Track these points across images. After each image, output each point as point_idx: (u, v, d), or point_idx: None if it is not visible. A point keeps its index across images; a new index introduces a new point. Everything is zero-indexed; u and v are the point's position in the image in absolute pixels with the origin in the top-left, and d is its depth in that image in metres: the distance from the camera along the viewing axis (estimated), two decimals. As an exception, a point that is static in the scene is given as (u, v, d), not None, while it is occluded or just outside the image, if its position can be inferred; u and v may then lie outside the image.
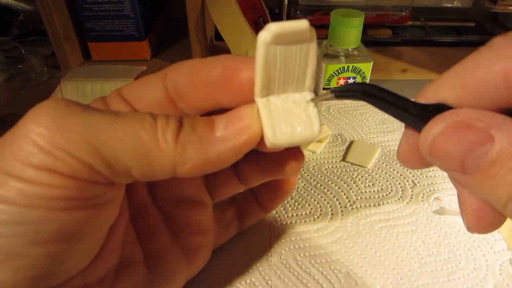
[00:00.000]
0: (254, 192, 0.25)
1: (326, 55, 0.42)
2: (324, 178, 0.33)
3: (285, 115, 0.16)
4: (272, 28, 0.14)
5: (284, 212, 0.30)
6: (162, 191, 0.22)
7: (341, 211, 0.30)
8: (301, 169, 0.34)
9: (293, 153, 0.20)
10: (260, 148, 0.17)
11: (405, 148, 0.16)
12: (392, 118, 0.40)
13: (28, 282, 0.15)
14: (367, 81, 0.43)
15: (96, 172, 0.15)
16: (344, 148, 0.37)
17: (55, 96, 0.39)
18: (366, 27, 0.53)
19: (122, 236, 0.20)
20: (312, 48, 0.15)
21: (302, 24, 0.14)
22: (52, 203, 0.14)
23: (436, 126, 0.13)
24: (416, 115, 0.14)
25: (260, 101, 0.16)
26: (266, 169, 0.21)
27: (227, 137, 0.16)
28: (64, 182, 0.14)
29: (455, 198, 0.31)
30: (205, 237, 0.23)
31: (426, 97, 0.15)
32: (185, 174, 0.16)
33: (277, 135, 0.16)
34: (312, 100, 0.17)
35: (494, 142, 0.12)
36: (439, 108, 0.14)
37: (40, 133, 0.14)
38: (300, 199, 0.31)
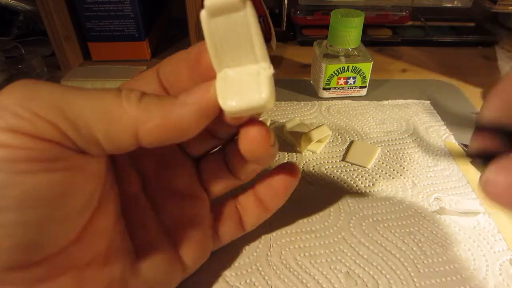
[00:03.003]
0: (256, 193, 0.25)
1: (326, 55, 0.42)
2: (324, 178, 0.33)
3: (238, 85, 0.17)
4: (206, 3, 0.16)
5: (284, 202, 0.30)
6: (154, 183, 0.22)
7: (341, 211, 0.30)
8: (301, 169, 0.34)
9: (254, 128, 0.19)
10: (224, 119, 0.18)
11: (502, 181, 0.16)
12: (392, 118, 0.40)
13: (7, 253, 0.15)
14: (367, 81, 0.43)
15: (61, 132, 0.15)
16: (344, 148, 0.37)
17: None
18: (366, 27, 0.53)
19: (111, 223, 0.20)
20: (250, 15, 0.16)
21: None
22: (16, 166, 0.14)
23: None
24: None
25: (218, 75, 0.18)
26: (240, 147, 0.20)
27: (188, 102, 0.17)
28: (27, 142, 0.14)
29: (455, 198, 0.31)
30: (198, 231, 0.23)
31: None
32: (148, 137, 0.17)
33: (227, 102, 0.17)
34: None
35: None
36: None
37: (9, 98, 0.15)
38: (300, 199, 0.31)
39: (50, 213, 0.15)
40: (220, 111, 0.17)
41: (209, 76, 0.18)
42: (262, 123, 0.19)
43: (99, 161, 0.18)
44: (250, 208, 0.25)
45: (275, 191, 0.24)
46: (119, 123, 0.16)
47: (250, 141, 0.19)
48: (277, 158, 0.35)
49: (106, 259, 0.19)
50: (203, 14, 0.16)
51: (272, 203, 0.24)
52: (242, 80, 0.17)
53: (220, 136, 0.22)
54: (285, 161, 0.35)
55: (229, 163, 0.23)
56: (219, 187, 0.24)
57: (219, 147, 0.24)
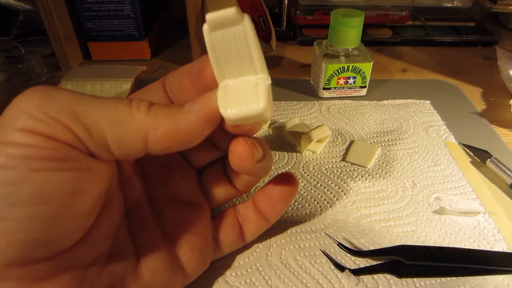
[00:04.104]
0: (255, 203, 0.25)
1: (326, 55, 0.42)
2: (324, 178, 0.33)
3: (237, 94, 0.18)
4: (206, 18, 0.17)
5: (284, 212, 0.30)
6: (156, 190, 0.23)
7: (341, 211, 0.30)
8: (301, 169, 0.34)
9: (240, 142, 0.20)
10: (225, 126, 0.19)
11: None
12: (392, 118, 0.40)
13: (14, 248, 0.15)
14: (367, 81, 0.43)
15: (74, 135, 0.16)
16: (344, 148, 0.37)
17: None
18: (366, 27, 0.53)
19: (114, 227, 0.20)
20: (247, 29, 0.17)
21: (230, 10, 0.16)
22: (29, 163, 0.15)
23: None
24: None
25: (220, 85, 0.19)
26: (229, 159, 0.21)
27: (193, 109, 0.18)
28: (41, 142, 0.15)
29: (455, 198, 0.31)
30: (199, 239, 0.23)
31: None
32: (157, 144, 0.18)
33: (227, 110, 0.18)
34: None
35: None
36: None
37: (27, 102, 0.16)
38: (300, 199, 0.31)
39: (59, 211, 0.16)
40: (222, 119, 0.18)
41: (212, 86, 0.19)
42: (249, 140, 0.20)
43: (107, 166, 0.18)
44: (250, 219, 0.25)
45: (273, 201, 0.24)
46: (129, 129, 0.17)
47: (235, 156, 0.20)
48: (276, 158, 0.35)
49: (107, 261, 0.20)
50: (205, 27, 0.17)
51: (271, 214, 0.25)
52: (242, 90, 0.18)
53: (221, 147, 0.23)
54: (285, 168, 0.35)
55: (229, 174, 0.24)
56: (220, 197, 0.24)
57: (221, 158, 0.24)
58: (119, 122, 0.17)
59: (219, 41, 0.17)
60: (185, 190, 0.23)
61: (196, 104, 0.18)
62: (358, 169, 0.34)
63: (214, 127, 0.19)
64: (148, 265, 0.21)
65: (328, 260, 0.26)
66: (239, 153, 0.20)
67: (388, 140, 0.38)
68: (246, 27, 0.17)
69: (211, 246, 0.24)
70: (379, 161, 0.35)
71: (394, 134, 0.38)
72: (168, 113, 0.18)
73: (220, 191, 0.24)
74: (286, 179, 0.24)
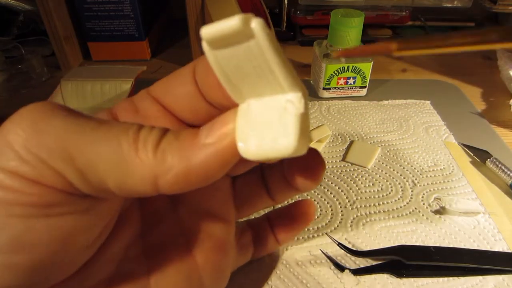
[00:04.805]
0: (270, 223, 0.24)
1: (326, 55, 0.42)
2: (324, 178, 0.33)
3: (260, 123, 0.14)
4: (202, 33, 0.13)
5: (284, 212, 0.30)
6: (185, 201, 0.21)
7: (341, 211, 0.30)
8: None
9: (308, 162, 0.18)
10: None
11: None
12: (392, 118, 0.40)
13: None
14: (367, 81, 0.43)
15: (66, 181, 0.14)
16: (344, 148, 0.37)
17: (54, 97, 0.39)
18: (366, 27, 0.53)
19: (123, 249, 0.18)
20: (262, 43, 0.12)
21: (232, 22, 0.12)
22: (8, 209, 0.13)
23: None
24: None
25: (240, 107, 0.15)
26: (287, 175, 0.20)
27: (209, 142, 0.14)
28: (26, 187, 0.13)
29: (455, 198, 0.31)
30: (224, 257, 0.21)
31: None
32: (169, 187, 0.15)
33: (247, 145, 0.14)
34: None
35: None
36: None
37: (15, 134, 0.14)
38: (300, 199, 0.31)
39: (43, 259, 0.14)
40: None
41: (233, 102, 0.16)
42: (320, 156, 0.18)
43: (109, 201, 0.16)
44: (263, 237, 0.24)
45: (290, 229, 0.24)
46: (134, 174, 0.14)
47: (305, 176, 0.18)
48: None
49: (110, 284, 0.18)
50: (204, 45, 0.13)
51: (284, 239, 0.25)
52: (267, 118, 0.14)
53: None
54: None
55: (267, 185, 0.21)
56: (252, 207, 0.23)
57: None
58: (122, 166, 0.14)
59: (227, 60, 0.13)
60: (217, 201, 0.21)
61: (211, 135, 0.14)
62: (358, 169, 0.34)
63: (237, 161, 0.15)
64: (162, 283, 0.19)
65: (328, 260, 0.26)
66: (310, 175, 0.17)
67: (388, 140, 0.38)
68: (259, 41, 0.12)
69: (232, 266, 0.23)
70: (379, 161, 0.35)
71: (394, 134, 0.38)
72: (179, 150, 0.14)
73: (255, 202, 0.22)
74: (305, 208, 0.24)
